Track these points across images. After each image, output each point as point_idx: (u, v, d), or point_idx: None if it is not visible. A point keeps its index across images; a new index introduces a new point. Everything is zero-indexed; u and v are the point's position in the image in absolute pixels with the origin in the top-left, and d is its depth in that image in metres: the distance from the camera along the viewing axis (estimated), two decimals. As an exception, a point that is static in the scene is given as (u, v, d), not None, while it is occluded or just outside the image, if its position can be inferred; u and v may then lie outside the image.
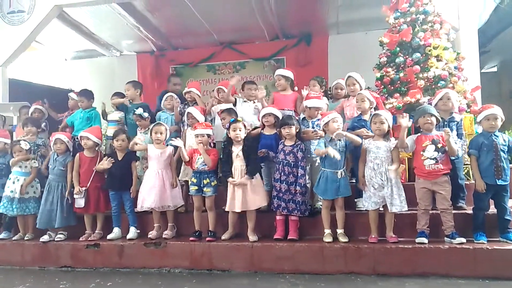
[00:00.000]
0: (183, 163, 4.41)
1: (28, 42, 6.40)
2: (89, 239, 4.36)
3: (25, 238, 4.56)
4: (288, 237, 3.90)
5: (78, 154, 4.60)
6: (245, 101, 4.90)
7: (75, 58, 9.15)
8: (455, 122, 4.00)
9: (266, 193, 4.11)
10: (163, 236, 4.21)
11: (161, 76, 8.54)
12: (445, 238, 3.61)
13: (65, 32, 7.52)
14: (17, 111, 5.99)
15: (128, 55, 8.93)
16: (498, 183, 3.57)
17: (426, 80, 4.67)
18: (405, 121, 3.71)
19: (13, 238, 4.62)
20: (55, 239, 4.40)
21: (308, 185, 4.13)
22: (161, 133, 4.34)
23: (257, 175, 4.06)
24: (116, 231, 4.36)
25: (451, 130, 3.93)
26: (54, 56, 8.94)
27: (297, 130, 4.04)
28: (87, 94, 5.41)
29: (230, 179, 4.00)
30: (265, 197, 4.07)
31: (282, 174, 3.96)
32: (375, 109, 4.16)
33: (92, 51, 8.74)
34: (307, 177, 4.11)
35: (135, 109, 4.81)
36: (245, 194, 3.97)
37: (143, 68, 8.71)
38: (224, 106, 4.81)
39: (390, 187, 3.69)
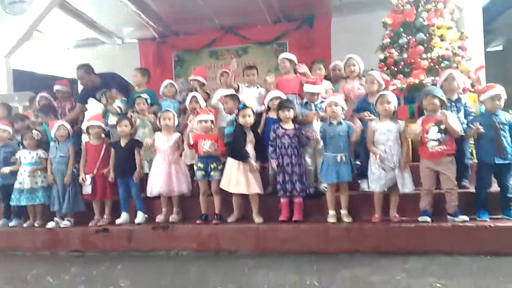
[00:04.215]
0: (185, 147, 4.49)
1: (30, 32, 6.42)
2: (98, 224, 4.45)
3: (35, 225, 4.66)
4: (293, 219, 3.96)
5: (84, 143, 4.69)
6: (247, 87, 4.92)
7: (77, 47, 9.16)
8: (462, 103, 3.99)
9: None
10: (170, 220, 4.29)
11: (164, 63, 8.56)
12: (448, 217, 3.64)
13: (67, 21, 7.52)
14: (23, 101, 6.06)
15: (130, 42, 8.93)
16: (496, 162, 3.58)
17: (429, 60, 4.64)
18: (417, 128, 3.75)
19: (24, 225, 4.73)
20: (61, 226, 4.50)
21: (311, 168, 4.18)
22: (169, 119, 4.38)
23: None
24: (124, 216, 4.45)
25: (459, 110, 3.93)
26: (56, 45, 8.95)
27: (294, 116, 4.07)
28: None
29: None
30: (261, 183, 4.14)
31: (286, 156, 3.99)
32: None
33: (94, 40, 8.75)
34: (310, 159, 4.17)
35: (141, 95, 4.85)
36: (247, 177, 4.03)
37: (145, 55, 8.71)
38: (227, 91, 4.83)
39: (401, 168, 3.70)
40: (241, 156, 4.06)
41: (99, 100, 5.28)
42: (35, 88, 5.99)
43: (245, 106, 4.14)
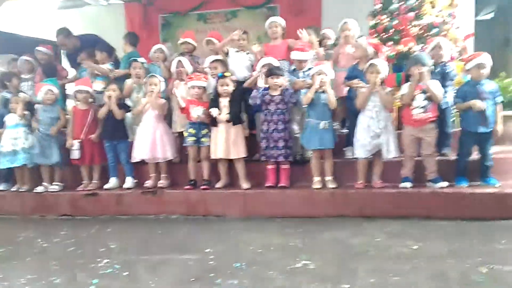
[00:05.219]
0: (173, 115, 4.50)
1: (10, -9, 6.14)
2: (87, 189, 4.49)
3: (20, 190, 4.67)
4: (279, 185, 4.06)
5: (72, 107, 4.66)
6: (237, 51, 4.85)
7: (61, 8, 8.81)
8: (448, 69, 4.01)
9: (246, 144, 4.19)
10: (159, 185, 4.35)
11: (150, 26, 8.31)
12: (428, 183, 3.77)
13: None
14: (4, 64, 5.90)
15: (115, 4, 8.61)
16: (479, 131, 3.66)
17: (419, 27, 4.62)
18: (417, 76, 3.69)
19: (12, 189, 4.74)
20: (49, 190, 4.53)
21: (299, 135, 4.23)
22: (155, 85, 4.33)
23: (240, 126, 4.15)
24: (113, 181, 4.50)
25: (443, 78, 3.96)
26: (39, 5, 8.60)
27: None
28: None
29: (212, 110, 4.07)
30: (246, 149, 4.16)
31: (272, 123, 4.03)
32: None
33: (79, 0, 8.42)
34: (297, 127, 4.21)
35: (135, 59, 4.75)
36: (228, 142, 4.07)
37: (131, 18, 8.41)
38: (217, 57, 4.76)
39: (386, 134, 3.78)
40: (211, 121, 4.14)
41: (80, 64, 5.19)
42: (17, 50, 5.82)
43: (223, 75, 4.12)
